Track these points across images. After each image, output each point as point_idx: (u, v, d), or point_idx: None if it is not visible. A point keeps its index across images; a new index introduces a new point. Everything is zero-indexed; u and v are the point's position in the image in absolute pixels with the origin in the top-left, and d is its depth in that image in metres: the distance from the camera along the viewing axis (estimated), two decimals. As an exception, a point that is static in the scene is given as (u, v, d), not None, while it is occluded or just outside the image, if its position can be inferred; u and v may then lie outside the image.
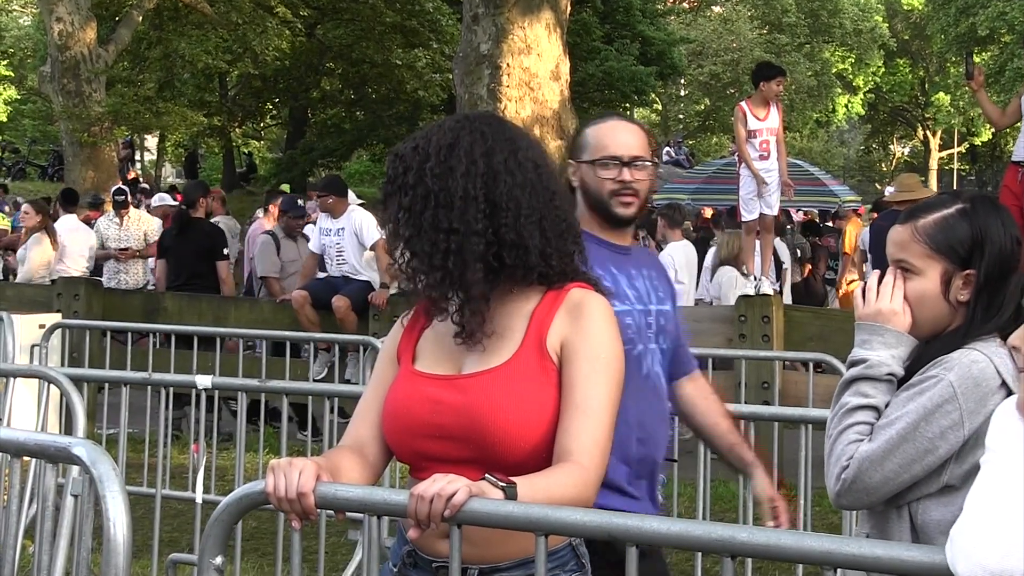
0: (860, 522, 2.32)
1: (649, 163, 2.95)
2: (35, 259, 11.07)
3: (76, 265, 11.42)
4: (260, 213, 17.88)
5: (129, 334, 7.90)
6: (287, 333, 7.89)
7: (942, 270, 2.25)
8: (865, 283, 2.33)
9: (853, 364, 2.27)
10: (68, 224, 11.85)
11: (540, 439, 2.19)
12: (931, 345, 2.25)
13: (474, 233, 2.21)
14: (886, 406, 2.21)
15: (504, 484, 2.01)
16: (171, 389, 5.52)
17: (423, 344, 2.37)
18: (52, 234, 10.97)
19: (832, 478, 2.21)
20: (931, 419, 2.12)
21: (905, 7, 47.94)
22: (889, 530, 2.20)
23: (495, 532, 2.07)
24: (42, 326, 7.68)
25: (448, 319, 2.28)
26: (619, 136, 2.93)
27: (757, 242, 8.69)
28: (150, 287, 10.94)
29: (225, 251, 10.09)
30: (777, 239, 10.13)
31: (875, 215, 13.05)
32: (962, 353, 2.17)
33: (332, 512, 2.19)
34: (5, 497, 3.77)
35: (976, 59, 9.04)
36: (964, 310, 2.24)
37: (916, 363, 2.23)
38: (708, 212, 16.78)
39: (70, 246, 11.49)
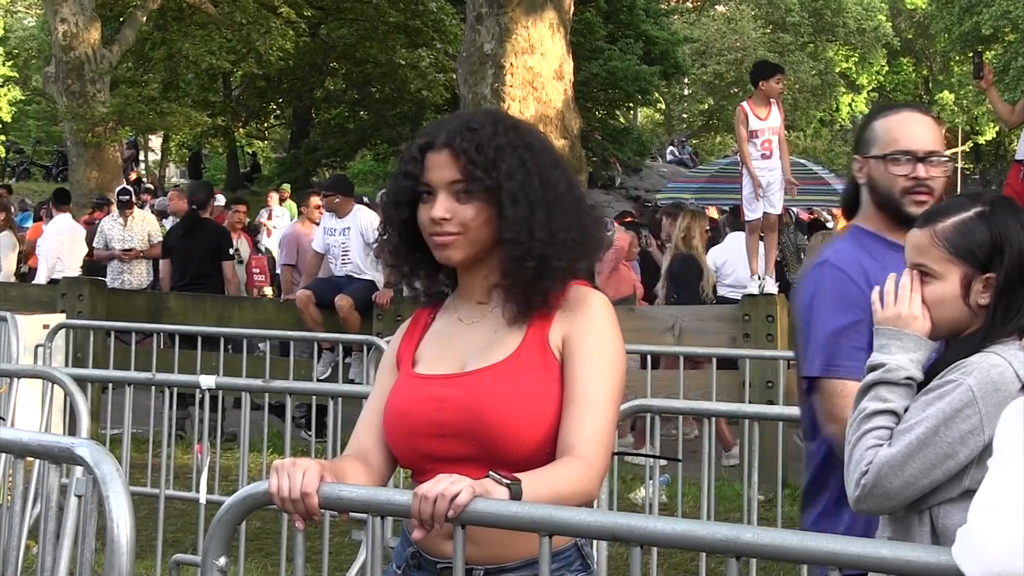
0: (881, 527, 2.30)
1: (945, 159, 2.76)
2: (12, 260, 11.16)
3: (73, 265, 11.47)
4: (264, 215, 17.94)
5: (133, 334, 7.91)
6: (291, 333, 7.89)
7: (961, 274, 2.23)
8: (882, 287, 2.31)
9: (871, 368, 2.26)
10: (63, 224, 11.89)
11: (544, 434, 2.19)
12: (951, 348, 2.24)
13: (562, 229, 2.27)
14: (905, 410, 2.20)
15: (508, 481, 2.01)
16: (175, 389, 5.53)
17: (423, 349, 2.36)
18: (16, 232, 11.09)
19: (851, 483, 2.19)
20: (951, 424, 2.10)
21: (908, 6, 47.87)
22: (911, 535, 2.19)
23: (500, 532, 2.06)
24: (46, 326, 7.69)
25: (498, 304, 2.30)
26: (912, 129, 2.74)
27: (761, 242, 8.66)
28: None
29: (231, 251, 10.12)
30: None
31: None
32: (981, 357, 2.16)
33: (336, 512, 2.19)
34: (9, 497, 3.77)
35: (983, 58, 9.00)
36: (984, 313, 2.23)
37: (936, 366, 2.22)
38: (712, 211, 16.76)
39: (68, 246, 11.54)
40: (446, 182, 2.24)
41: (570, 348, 2.24)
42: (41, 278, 11.43)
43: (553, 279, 2.25)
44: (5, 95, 39.10)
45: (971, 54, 39.26)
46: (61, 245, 11.57)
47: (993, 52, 37.41)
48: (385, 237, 2.36)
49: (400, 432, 2.28)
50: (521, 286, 2.24)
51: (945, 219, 2.27)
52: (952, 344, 2.25)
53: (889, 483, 2.13)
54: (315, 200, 10.86)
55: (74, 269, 11.53)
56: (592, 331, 2.25)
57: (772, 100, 8.32)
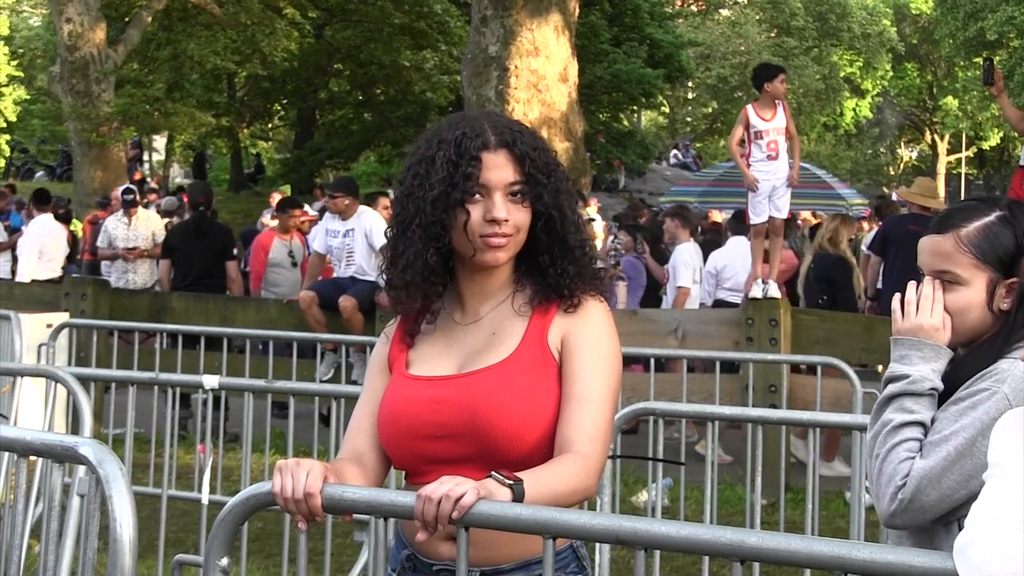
0: (899, 538, 2.25)
1: None
2: None
3: (54, 265, 11.45)
4: (267, 215, 17.91)
5: (136, 334, 7.91)
6: (294, 334, 7.88)
7: (987, 280, 2.21)
8: (903, 296, 2.27)
9: (892, 380, 2.22)
10: (45, 225, 11.86)
11: (543, 434, 2.19)
12: (970, 355, 2.22)
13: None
14: (931, 421, 2.17)
15: (511, 481, 2.00)
16: (178, 389, 5.52)
17: (416, 351, 2.35)
18: None
19: (886, 498, 2.14)
20: (988, 433, 2.04)
21: (913, 11, 47.88)
22: (935, 545, 2.15)
23: (498, 534, 2.06)
24: (49, 325, 7.69)
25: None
26: None
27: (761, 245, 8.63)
28: (157, 287, 10.96)
29: (235, 251, 10.14)
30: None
31: (878, 219, 12.97)
32: (1011, 363, 2.13)
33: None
34: (11, 496, 3.77)
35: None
36: (1001, 318, 2.21)
37: (953, 373, 2.19)
38: (715, 215, 16.73)
39: (51, 246, 11.53)
40: (505, 183, 2.23)
41: (568, 347, 2.25)
42: (24, 277, 11.42)
43: (589, 283, 2.31)
44: (10, 94, 39.18)
45: (976, 59, 39.29)
46: (43, 245, 11.56)
47: (998, 57, 37.37)
48: (411, 243, 2.25)
49: (396, 434, 2.26)
50: (554, 287, 2.28)
51: (967, 224, 2.23)
52: (971, 351, 2.22)
53: (926, 496, 2.08)
54: (384, 201, 10.45)
55: (55, 270, 11.53)
56: (590, 331, 2.26)
57: (777, 101, 8.29)
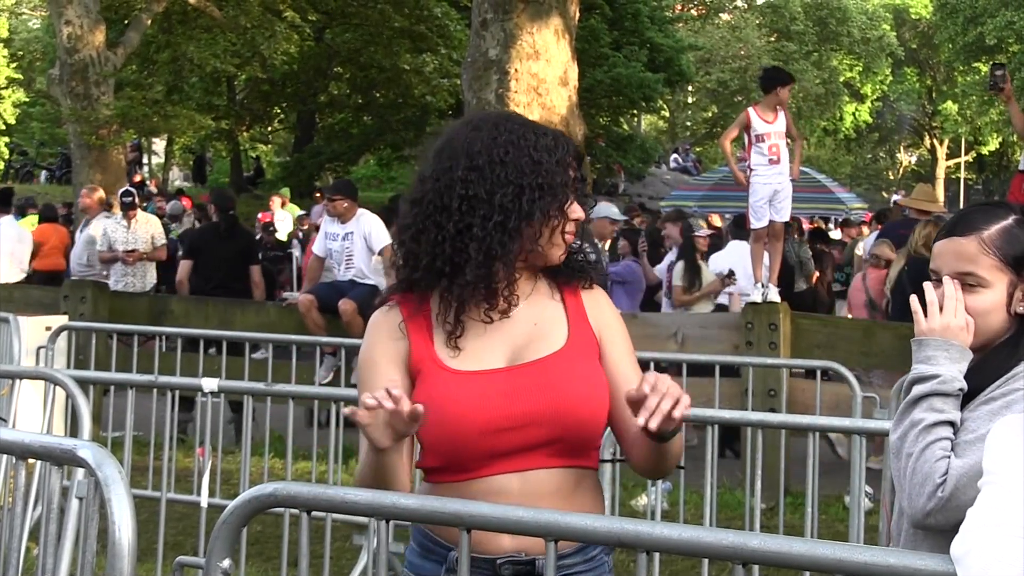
0: (914, 542, 2.22)
1: None
2: None
3: (24, 267, 11.42)
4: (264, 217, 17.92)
5: (135, 337, 7.90)
6: (293, 337, 7.87)
7: (1008, 282, 2.23)
8: (921, 297, 2.26)
9: (920, 380, 2.21)
10: (11, 228, 11.82)
11: (606, 414, 2.32)
12: (989, 357, 2.22)
13: None
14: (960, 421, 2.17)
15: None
16: (177, 392, 5.52)
17: (446, 348, 2.31)
18: None
19: (922, 496, 2.12)
20: None
21: (913, 16, 47.93)
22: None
23: None
24: (48, 328, 7.68)
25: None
26: None
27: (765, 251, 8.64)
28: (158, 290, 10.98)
29: (259, 255, 10.23)
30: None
31: (879, 225, 12.98)
32: None
33: (338, 516, 2.17)
34: (10, 499, 3.76)
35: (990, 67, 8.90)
36: (1015, 321, 2.22)
37: (971, 375, 2.20)
38: (716, 219, 16.75)
39: (18, 249, 11.51)
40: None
41: (606, 336, 2.39)
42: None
43: (595, 267, 2.47)
44: (9, 97, 39.17)
45: (976, 64, 39.32)
46: (12, 248, 11.53)
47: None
48: (511, 239, 2.28)
49: (465, 432, 2.23)
50: (576, 267, 2.42)
51: (988, 227, 2.25)
52: (990, 353, 2.23)
53: (964, 495, 2.05)
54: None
55: (24, 271, 11.51)
56: (614, 320, 2.44)
57: (779, 106, 8.32)
